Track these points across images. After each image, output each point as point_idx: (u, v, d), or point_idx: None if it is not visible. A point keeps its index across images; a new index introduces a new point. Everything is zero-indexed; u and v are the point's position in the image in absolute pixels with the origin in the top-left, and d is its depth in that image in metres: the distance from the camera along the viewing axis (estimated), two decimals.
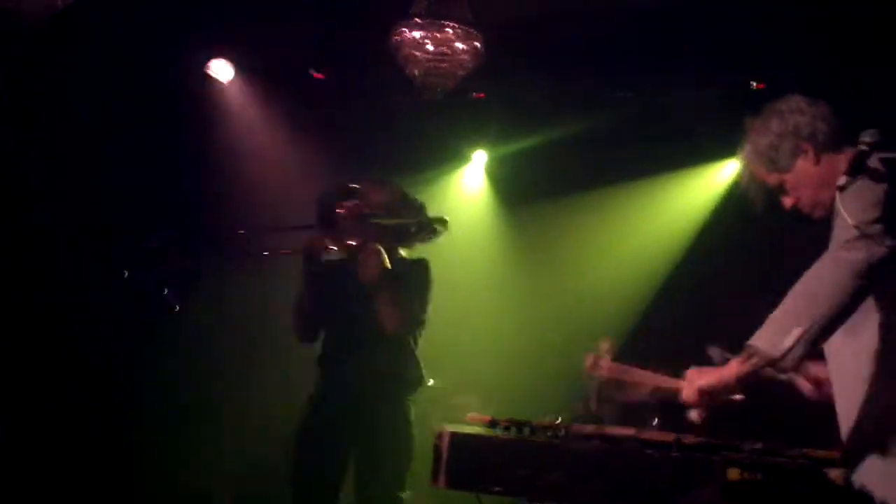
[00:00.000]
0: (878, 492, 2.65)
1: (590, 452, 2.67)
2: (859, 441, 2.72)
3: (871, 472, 2.67)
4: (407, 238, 4.27)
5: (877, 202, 2.58)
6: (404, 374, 4.23)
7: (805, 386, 3.17)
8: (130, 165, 6.64)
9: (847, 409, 2.78)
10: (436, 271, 4.35)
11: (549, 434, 2.74)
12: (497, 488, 2.67)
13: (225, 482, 6.65)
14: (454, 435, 2.71)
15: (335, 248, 4.05)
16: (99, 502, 6.19)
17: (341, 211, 4.05)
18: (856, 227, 2.52)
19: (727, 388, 2.75)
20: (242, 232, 4.68)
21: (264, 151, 7.56)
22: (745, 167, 3.06)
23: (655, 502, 2.62)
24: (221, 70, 7.40)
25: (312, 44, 7.08)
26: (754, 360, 2.65)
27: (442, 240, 4.30)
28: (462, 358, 6.96)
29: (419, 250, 4.36)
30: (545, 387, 6.82)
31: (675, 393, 2.97)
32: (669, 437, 2.76)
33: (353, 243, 4.01)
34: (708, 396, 2.76)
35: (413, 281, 4.21)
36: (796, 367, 2.72)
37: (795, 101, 2.96)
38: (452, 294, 7.30)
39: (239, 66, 7.41)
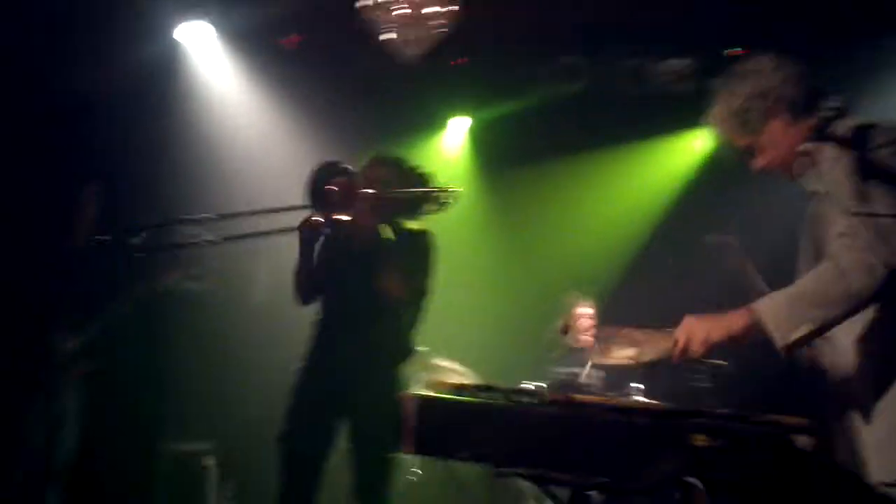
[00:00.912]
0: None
1: (557, 418, 2.66)
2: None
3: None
4: (410, 210, 4.34)
5: (873, 184, 2.58)
6: (396, 344, 4.30)
7: None
8: (93, 140, 6.54)
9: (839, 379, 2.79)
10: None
11: (517, 400, 2.72)
12: (464, 454, 2.67)
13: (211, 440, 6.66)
14: (421, 400, 2.70)
15: (328, 225, 4.11)
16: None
17: (332, 188, 4.12)
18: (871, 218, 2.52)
19: (731, 343, 2.74)
20: (239, 213, 4.64)
21: (240, 121, 7.49)
22: (716, 128, 3.03)
23: (622, 468, 2.61)
24: (193, 34, 7.28)
25: (287, 9, 7.00)
26: (757, 331, 2.65)
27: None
28: (445, 322, 6.96)
29: (427, 221, 4.45)
30: (527, 352, 6.83)
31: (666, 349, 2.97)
32: (637, 403, 2.76)
33: (346, 218, 4.06)
34: (714, 347, 2.76)
35: (413, 252, 4.26)
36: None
37: (766, 62, 2.93)
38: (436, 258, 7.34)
39: (214, 27, 7.31)
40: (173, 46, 7.26)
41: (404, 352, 4.33)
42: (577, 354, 6.66)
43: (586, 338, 6.79)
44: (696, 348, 2.75)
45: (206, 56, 7.41)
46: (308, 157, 7.24)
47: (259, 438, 6.86)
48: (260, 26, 7.28)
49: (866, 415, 2.72)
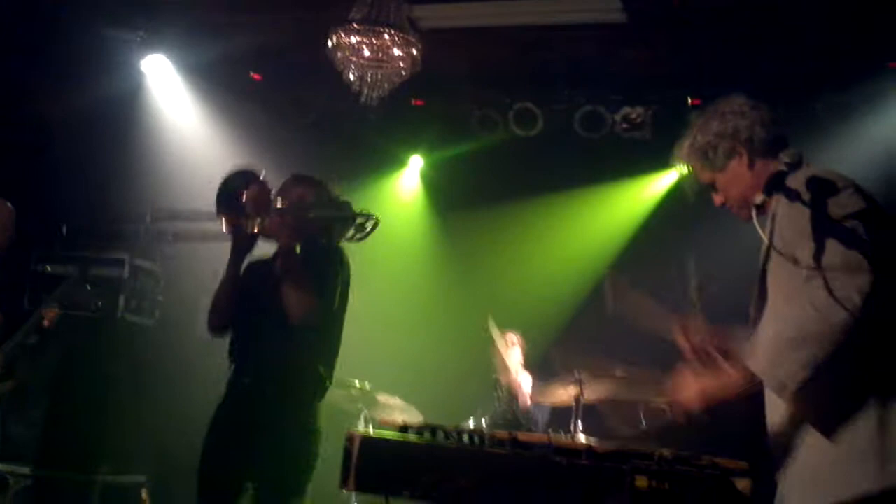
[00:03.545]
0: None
1: (500, 458, 2.67)
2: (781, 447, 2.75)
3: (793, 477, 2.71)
4: (325, 232, 4.10)
5: (819, 232, 2.62)
6: (307, 375, 3.96)
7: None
8: (58, 166, 6.52)
9: (771, 421, 2.82)
10: (369, 273, 4.20)
11: (460, 439, 2.73)
12: (406, 492, 2.67)
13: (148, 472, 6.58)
14: (364, 438, 2.69)
15: (229, 231, 3.90)
16: None
17: (244, 194, 3.91)
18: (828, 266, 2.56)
19: (726, 396, 2.76)
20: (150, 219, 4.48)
21: (198, 154, 7.47)
22: (682, 160, 3.10)
23: None
24: (156, 67, 7.29)
25: (251, 45, 7.03)
26: (755, 386, 2.69)
27: (376, 242, 4.17)
28: (392, 360, 6.97)
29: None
30: (473, 391, 6.82)
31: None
32: (581, 444, 2.77)
33: (254, 225, 3.89)
34: (708, 402, 2.77)
35: (322, 268, 3.99)
36: None
37: (738, 104, 3.01)
38: (384, 296, 7.35)
39: (176, 63, 7.32)
40: (138, 78, 7.25)
41: (316, 385, 3.98)
42: (517, 391, 6.69)
43: (520, 372, 6.82)
44: (694, 406, 2.77)
45: (167, 90, 7.39)
46: None
47: (194, 471, 6.84)
48: (222, 63, 7.30)
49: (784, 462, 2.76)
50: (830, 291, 2.55)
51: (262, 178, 3.96)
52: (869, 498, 2.57)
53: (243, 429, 3.92)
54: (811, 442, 2.69)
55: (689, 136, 3.06)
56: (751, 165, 2.93)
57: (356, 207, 4.21)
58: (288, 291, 3.85)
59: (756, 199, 2.78)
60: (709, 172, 3.01)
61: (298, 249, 3.93)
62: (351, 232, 4.02)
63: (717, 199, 3.05)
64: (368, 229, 4.00)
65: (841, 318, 2.53)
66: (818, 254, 2.60)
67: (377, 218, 4.00)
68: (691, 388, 2.77)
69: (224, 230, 3.93)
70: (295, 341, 3.90)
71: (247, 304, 4.08)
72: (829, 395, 2.65)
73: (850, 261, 2.56)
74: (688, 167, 3.09)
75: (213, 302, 4.12)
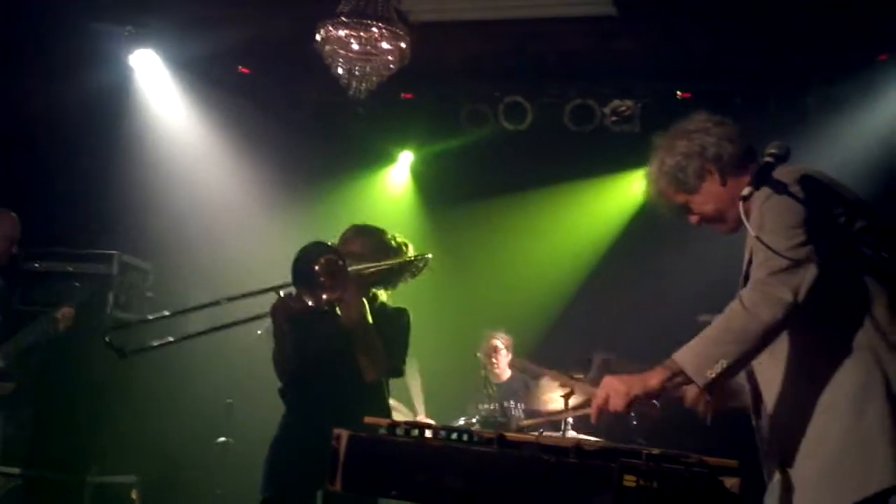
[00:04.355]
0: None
1: (488, 457, 2.65)
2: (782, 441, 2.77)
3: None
4: (386, 281, 4.26)
5: (797, 223, 2.60)
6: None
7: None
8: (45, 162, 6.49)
9: (772, 413, 2.82)
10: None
11: (448, 437, 2.71)
12: (393, 492, 2.65)
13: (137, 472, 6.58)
14: (351, 437, 2.68)
15: (312, 303, 3.93)
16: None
17: (318, 267, 3.93)
18: (784, 256, 2.53)
19: (650, 396, 2.73)
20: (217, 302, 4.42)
21: (188, 151, 7.45)
22: (651, 184, 3.03)
23: None
24: (145, 61, 7.25)
25: (239, 39, 7.00)
26: (678, 379, 2.66)
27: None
28: None
29: (400, 299, 4.38)
30: (463, 388, 6.81)
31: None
32: (569, 442, 2.76)
33: (331, 297, 3.94)
34: (635, 402, 2.73)
35: (392, 330, 4.15)
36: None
37: (702, 122, 2.95)
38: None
39: (164, 58, 7.29)
40: (126, 72, 7.23)
41: None
42: (505, 388, 6.69)
43: (505, 371, 6.83)
44: (618, 403, 2.73)
45: (156, 84, 7.37)
46: (251, 182, 7.37)
47: (184, 471, 6.84)
48: (211, 58, 7.27)
49: (792, 456, 2.74)
50: (764, 290, 2.54)
51: (336, 250, 3.98)
52: (887, 491, 2.55)
53: (307, 475, 3.93)
54: (819, 434, 2.67)
55: (655, 159, 2.97)
56: (723, 183, 2.88)
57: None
58: (364, 356, 3.97)
59: (744, 191, 2.74)
60: (682, 194, 2.95)
61: (367, 311, 3.99)
62: (407, 274, 4.27)
63: (694, 219, 2.99)
64: (421, 267, 4.27)
65: (765, 320, 2.53)
66: (767, 249, 2.57)
67: (429, 257, 4.28)
68: (616, 389, 2.73)
69: (303, 300, 3.93)
70: (363, 395, 4.02)
71: (311, 358, 4.13)
72: (835, 386, 2.64)
73: (798, 258, 2.54)
74: (659, 192, 3.00)
75: (274, 359, 4.17)
